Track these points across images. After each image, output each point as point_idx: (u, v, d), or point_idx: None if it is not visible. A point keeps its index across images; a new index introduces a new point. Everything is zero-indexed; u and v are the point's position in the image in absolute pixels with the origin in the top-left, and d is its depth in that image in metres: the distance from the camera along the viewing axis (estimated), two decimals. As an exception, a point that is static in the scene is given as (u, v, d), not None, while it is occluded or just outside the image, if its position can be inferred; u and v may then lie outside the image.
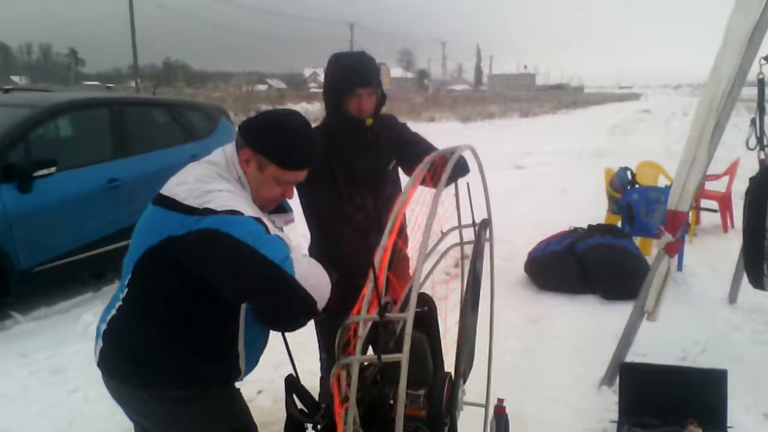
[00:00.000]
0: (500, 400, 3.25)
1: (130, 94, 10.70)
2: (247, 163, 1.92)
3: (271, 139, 1.90)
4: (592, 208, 7.95)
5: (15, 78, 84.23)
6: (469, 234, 2.50)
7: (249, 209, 1.79)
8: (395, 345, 1.77)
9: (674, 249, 3.59)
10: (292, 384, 1.99)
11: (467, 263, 2.27)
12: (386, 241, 1.58)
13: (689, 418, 2.93)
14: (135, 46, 37.50)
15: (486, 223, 2.32)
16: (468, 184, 2.41)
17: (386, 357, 1.40)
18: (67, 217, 5.12)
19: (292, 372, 2.05)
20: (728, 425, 3.07)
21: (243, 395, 2.18)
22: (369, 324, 1.48)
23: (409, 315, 1.34)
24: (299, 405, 1.97)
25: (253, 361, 2.12)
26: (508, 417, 3.18)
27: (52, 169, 4.92)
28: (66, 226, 5.14)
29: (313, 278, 1.74)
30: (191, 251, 1.74)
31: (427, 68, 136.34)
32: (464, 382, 2.07)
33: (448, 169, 1.76)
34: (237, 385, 2.15)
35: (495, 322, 4.71)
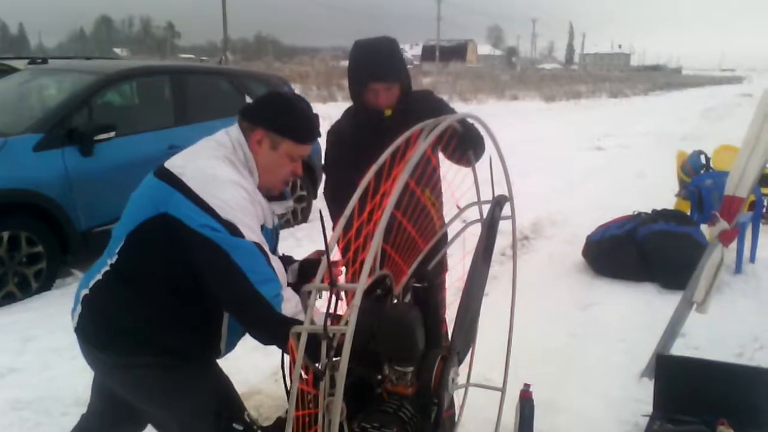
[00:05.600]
0: (527, 385, 3.14)
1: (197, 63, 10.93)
2: (260, 144, 1.98)
3: (282, 116, 1.99)
4: (668, 194, 7.55)
5: (117, 50, 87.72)
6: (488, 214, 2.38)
7: (251, 217, 1.83)
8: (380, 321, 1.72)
9: (729, 237, 3.36)
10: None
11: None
12: (350, 210, 1.51)
13: (720, 419, 2.73)
14: (225, 19, 38.37)
15: (502, 200, 2.20)
16: (490, 158, 2.31)
17: (332, 328, 1.35)
18: (126, 181, 5.23)
19: None
20: (772, 429, 2.84)
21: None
22: (319, 293, 1.42)
23: (359, 286, 1.27)
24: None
25: (231, 345, 2.12)
26: (534, 403, 3.09)
27: (112, 134, 5.07)
28: (125, 190, 5.25)
29: (301, 313, 1.79)
30: (189, 248, 1.78)
31: (516, 46, 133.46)
32: (460, 363, 1.98)
33: (435, 132, 1.66)
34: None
35: (541, 307, 4.60)
